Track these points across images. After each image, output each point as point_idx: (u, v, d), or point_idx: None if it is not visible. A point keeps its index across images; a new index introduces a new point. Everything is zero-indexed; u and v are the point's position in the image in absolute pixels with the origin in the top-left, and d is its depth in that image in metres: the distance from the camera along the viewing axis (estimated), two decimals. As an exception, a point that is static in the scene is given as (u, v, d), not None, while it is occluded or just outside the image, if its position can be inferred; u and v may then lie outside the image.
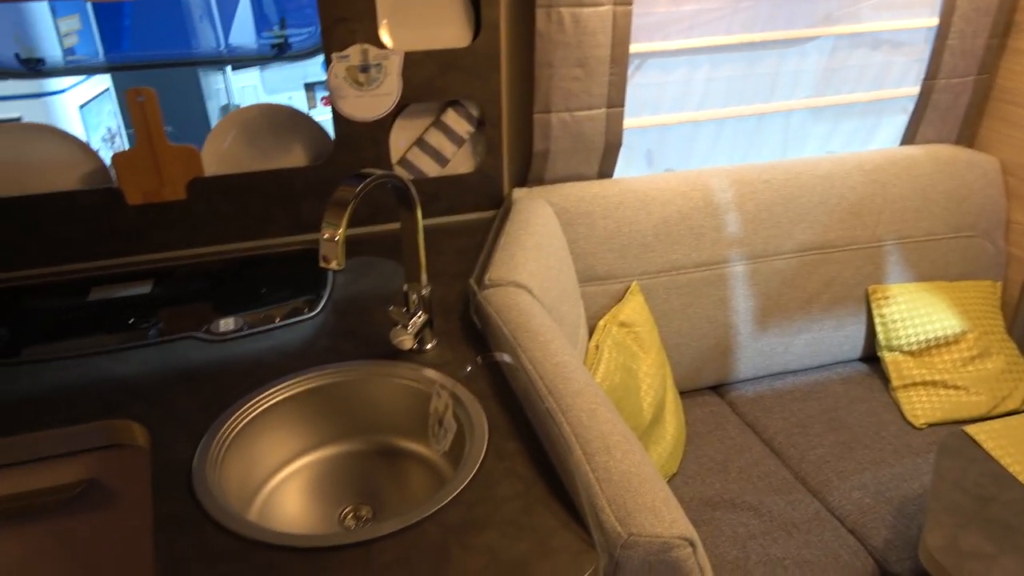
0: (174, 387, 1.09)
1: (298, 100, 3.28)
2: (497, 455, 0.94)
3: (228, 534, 0.84)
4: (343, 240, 0.92)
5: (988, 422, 1.26)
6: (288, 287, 1.35)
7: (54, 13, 2.00)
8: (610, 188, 1.56)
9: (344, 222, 0.92)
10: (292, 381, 1.08)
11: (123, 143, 2.66)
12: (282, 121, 1.46)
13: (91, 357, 1.17)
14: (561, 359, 1.03)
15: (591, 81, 1.48)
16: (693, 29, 1.62)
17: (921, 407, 1.59)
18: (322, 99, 3.29)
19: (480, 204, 1.59)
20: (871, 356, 1.79)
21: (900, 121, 1.87)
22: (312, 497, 1.06)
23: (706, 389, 1.73)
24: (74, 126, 2.35)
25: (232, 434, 1.00)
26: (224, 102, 3.12)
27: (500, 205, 1.61)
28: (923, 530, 1.05)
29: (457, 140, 1.52)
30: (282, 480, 1.07)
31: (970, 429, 1.24)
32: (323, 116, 1.48)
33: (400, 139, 1.50)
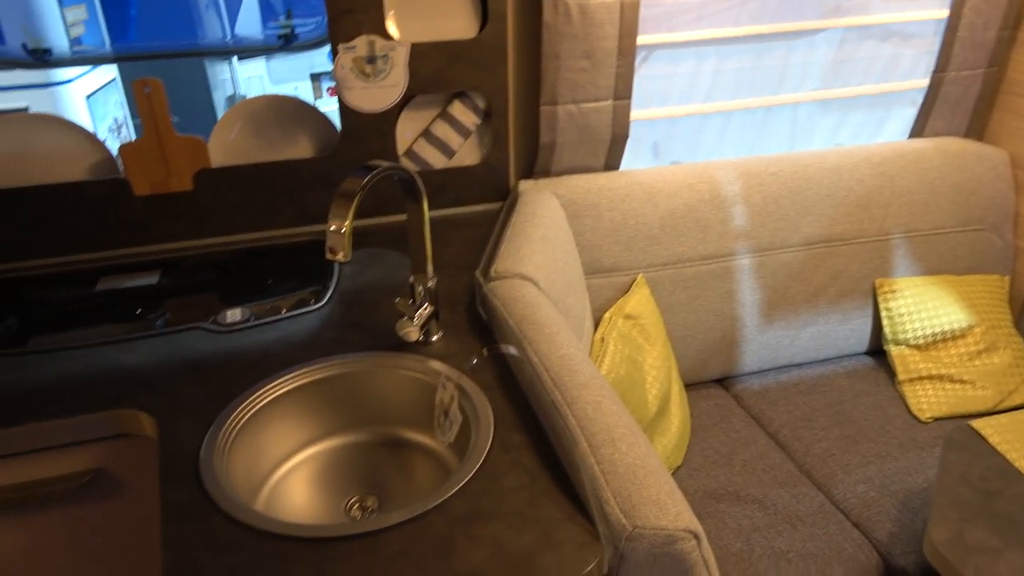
0: (181, 377, 1.10)
1: (304, 90, 3.27)
2: (503, 447, 0.94)
3: (235, 524, 0.84)
4: (349, 232, 0.92)
5: (994, 416, 1.26)
6: (294, 278, 1.35)
7: (61, 3, 2.00)
8: (616, 180, 1.56)
9: (351, 214, 0.92)
10: (299, 372, 1.08)
11: (130, 133, 2.66)
12: (288, 112, 1.46)
13: (99, 347, 1.18)
14: (567, 351, 1.03)
15: (598, 73, 1.48)
16: (701, 20, 1.61)
17: (927, 401, 1.59)
18: (328, 89, 3.28)
19: (486, 196, 1.59)
20: (877, 350, 1.78)
21: (909, 114, 1.86)
22: (318, 487, 1.06)
23: (711, 382, 1.73)
24: (81, 116, 2.35)
25: (239, 424, 1.00)
26: (230, 92, 3.12)
27: (506, 197, 1.61)
28: (928, 524, 1.05)
29: (463, 132, 1.52)
30: (289, 470, 1.07)
31: (976, 423, 1.24)
32: (329, 107, 1.47)
33: (406, 130, 1.50)
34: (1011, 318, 1.72)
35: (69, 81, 2.29)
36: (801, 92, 1.77)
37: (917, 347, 1.67)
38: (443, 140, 1.52)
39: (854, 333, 1.75)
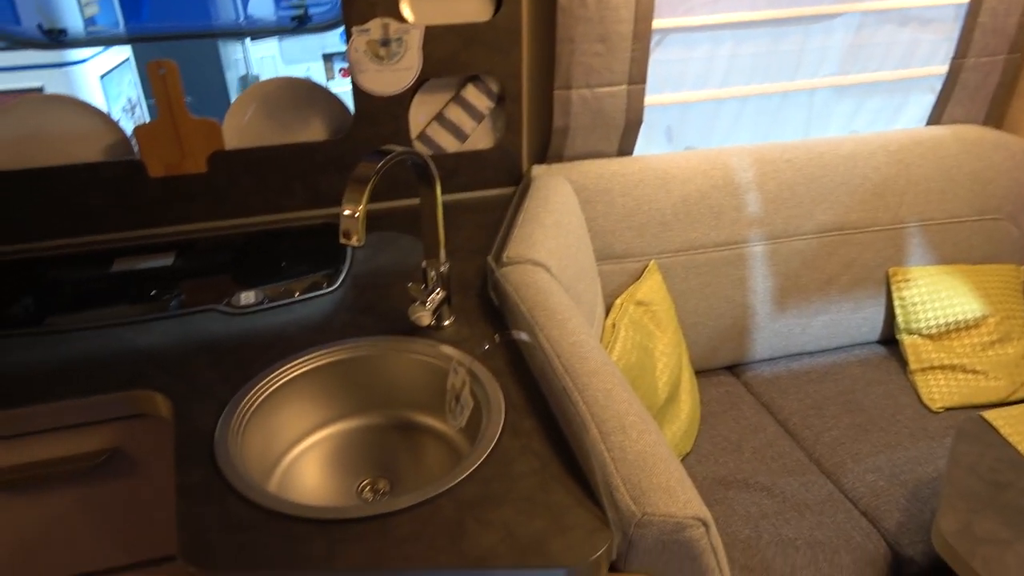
0: (196, 359, 1.11)
1: (316, 71, 3.27)
2: (513, 432, 0.95)
3: (249, 504, 0.85)
4: (363, 216, 0.92)
5: (1006, 408, 1.25)
6: (308, 261, 1.36)
7: (75, -18, 1.99)
8: (629, 166, 1.55)
9: (364, 198, 0.92)
10: (312, 355, 1.09)
11: (143, 113, 2.67)
12: (302, 94, 1.46)
13: (114, 328, 1.19)
14: (578, 338, 1.03)
15: (612, 57, 1.47)
16: (717, 4, 1.60)
17: (939, 391, 1.59)
18: (340, 70, 3.27)
19: (499, 180, 1.59)
20: (889, 339, 1.78)
21: (927, 100, 1.84)
22: (331, 469, 1.08)
23: (722, 369, 1.73)
24: (95, 96, 2.36)
25: (253, 406, 1.01)
26: (243, 72, 3.12)
27: (519, 181, 1.60)
28: (937, 514, 1.06)
29: (477, 116, 1.51)
30: (301, 452, 1.09)
31: (988, 414, 1.24)
32: (341, 88, 1.47)
33: (419, 114, 1.50)
34: (1026, 308, 1.71)
35: (83, 61, 2.29)
36: (818, 78, 1.76)
37: (930, 336, 1.67)
38: (456, 124, 1.51)
39: (866, 322, 1.74)
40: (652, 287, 1.53)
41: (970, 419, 1.24)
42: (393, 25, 1.36)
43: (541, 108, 1.55)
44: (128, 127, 1.39)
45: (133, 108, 2.60)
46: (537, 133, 1.58)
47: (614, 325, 1.43)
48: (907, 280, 1.69)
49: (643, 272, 1.56)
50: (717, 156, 1.60)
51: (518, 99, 1.50)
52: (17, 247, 1.39)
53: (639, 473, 0.82)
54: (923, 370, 1.63)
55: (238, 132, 1.44)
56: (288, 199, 1.48)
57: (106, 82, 2.42)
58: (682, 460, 1.45)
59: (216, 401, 1.01)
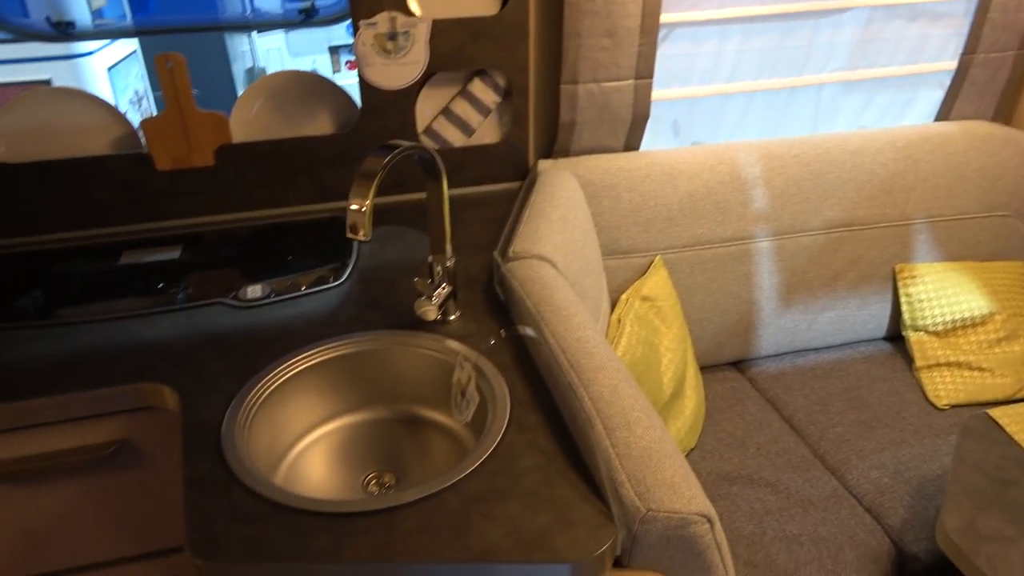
0: (203, 352, 1.11)
1: (323, 63, 3.27)
2: (519, 427, 0.95)
3: (256, 497, 0.86)
4: (370, 211, 0.92)
5: (1012, 405, 1.25)
6: (314, 255, 1.36)
7: (82, -26, 2.00)
8: (636, 161, 1.55)
9: (371, 193, 0.92)
10: (318, 349, 1.10)
11: (150, 106, 2.67)
12: (309, 88, 1.46)
13: (122, 321, 1.20)
14: (584, 334, 1.03)
15: (619, 52, 1.46)
16: (725, -1, 1.59)
17: (944, 388, 1.58)
18: (347, 63, 3.27)
19: (505, 175, 1.59)
20: (895, 335, 1.78)
21: (935, 96, 1.83)
22: (337, 463, 1.08)
23: (727, 365, 1.73)
24: (103, 88, 2.36)
25: (260, 399, 1.02)
26: (249, 64, 3.12)
27: (525, 176, 1.60)
28: (941, 511, 1.06)
29: (483, 110, 1.51)
30: (308, 445, 1.09)
31: (994, 412, 1.24)
32: (347, 80, 1.47)
33: (426, 108, 1.50)
34: (1033, 306, 1.70)
35: (91, 53, 2.30)
36: (826, 73, 1.75)
37: (936, 333, 1.66)
38: (463, 118, 1.51)
39: (872, 318, 1.74)
40: (658, 283, 1.53)
41: (976, 417, 1.23)
42: (400, 19, 1.36)
43: (548, 103, 1.55)
44: (135, 119, 1.40)
45: (140, 100, 2.61)
46: (544, 128, 1.57)
47: (619, 320, 1.43)
48: (914, 277, 1.69)
49: (649, 267, 1.56)
50: (724, 151, 1.59)
51: (525, 93, 1.50)
52: (25, 239, 1.40)
53: (644, 469, 0.83)
54: (929, 367, 1.63)
55: (245, 125, 1.44)
56: (295, 193, 1.48)
57: (113, 74, 2.43)
58: (687, 456, 1.45)
59: (223, 394, 1.02)
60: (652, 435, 0.87)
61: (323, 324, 1.17)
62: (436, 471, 1.06)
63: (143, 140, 1.38)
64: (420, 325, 1.16)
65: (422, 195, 1.56)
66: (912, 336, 1.68)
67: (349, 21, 1.36)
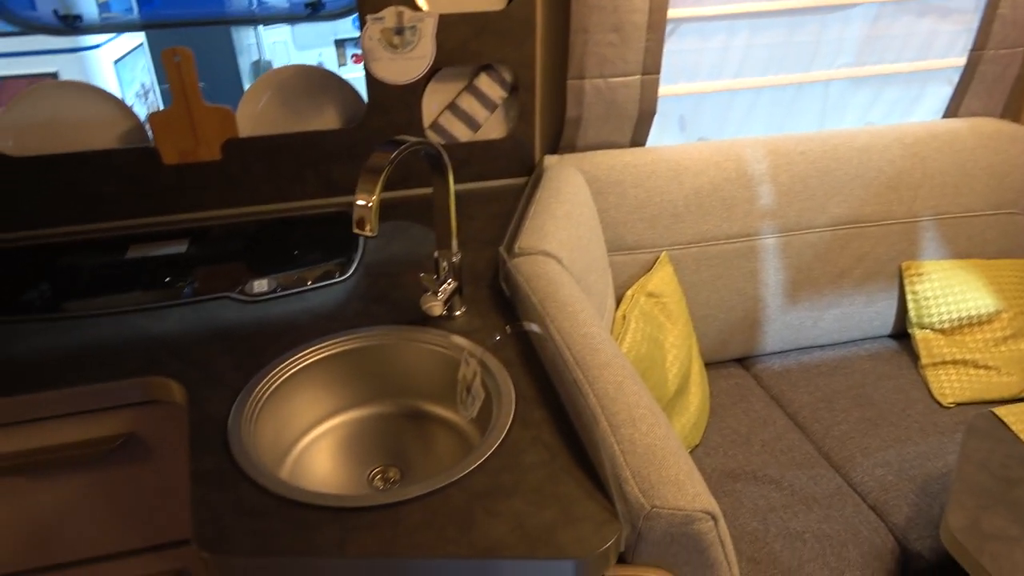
0: (209, 346, 1.12)
1: (328, 56, 3.27)
2: (523, 423, 0.96)
3: (262, 491, 0.86)
4: (377, 207, 0.93)
5: (1018, 404, 1.25)
6: (320, 249, 1.37)
7: (89, -32, 2.00)
8: (642, 157, 1.55)
9: (378, 188, 0.92)
10: (324, 344, 1.10)
11: (157, 99, 2.68)
12: (316, 82, 1.46)
13: (129, 314, 1.20)
14: (589, 330, 1.03)
15: (626, 47, 1.46)
16: (733, -7, 1.58)
17: (950, 386, 1.58)
18: (353, 56, 3.27)
19: (511, 170, 1.58)
20: (901, 333, 1.77)
21: (944, 92, 1.82)
22: (342, 457, 1.09)
23: (732, 361, 1.73)
24: (109, 81, 2.37)
25: (266, 394, 1.02)
26: (255, 57, 3.12)
27: (531, 172, 1.60)
28: (945, 510, 1.06)
29: (490, 105, 1.51)
30: (313, 439, 1.10)
31: (999, 410, 1.23)
32: (353, 73, 1.47)
33: (432, 103, 1.49)
34: (1040, 304, 1.70)
35: (98, 46, 2.30)
36: (834, 69, 1.74)
37: (942, 331, 1.66)
38: (469, 113, 1.51)
39: (878, 316, 1.73)
40: (663, 279, 1.52)
41: (981, 415, 1.23)
42: (407, 13, 1.36)
43: (554, 98, 1.54)
44: (141, 112, 1.40)
45: (147, 93, 2.61)
46: (550, 123, 1.57)
47: (624, 317, 1.43)
48: (920, 274, 1.68)
49: (654, 264, 1.56)
50: (730, 148, 1.59)
51: (531, 89, 1.50)
52: (32, 233, 1.41)
53: (648, 466, 0.83)
54: (934, 365, 1.63)
55: (252, 120, 1.45)
56: (301, 187, 1.49)
57: (120, 67, 2.43)
58: (691, 452, 1.45)
59: (229, 388, 1.02)
60: (657, 432, 0.87)
61: (329, 319, 1.17)
62: (441, 466, 1.06)
63: (150, 134, 1.39)
64: (426, 320, 1.16)
65: (428, 190, 1.56)
66: (918, 334, 1.68)
67: (356, 14, 1.35)
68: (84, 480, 1.14)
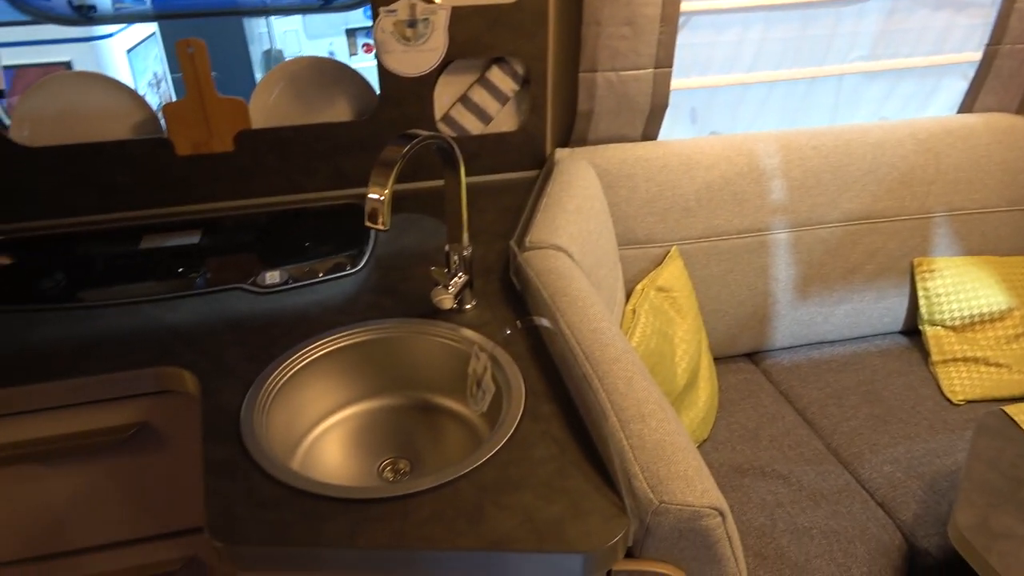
0: (222, 337, 1.13)
1: (339, 46, 3.26)
2: (533, 417, 0.96)
3: (274, 482, 0.87)
4: (389, 200, 0.93)
5: (1029, 403, 1.25)
6: (331, 241, 1.37)
7: (103, -43, 2.00)
8: (654, 151, 1.54)
9: (390, 182, 0.93)
10: (336, 336, 1.11)
11: (169, 88, 2.69)
12: (328, 74, 1.47)
13: (142, 304, 1.21)
14: (599, 325, 1.03)
15: (639, 40, 1.45)
16: (748, -13, 1.57)
17: (960, 383, 1.58)
18: (363, 45, 3.27)
19: (522, 163, 1.58)
20: (912, 329, 1.77)
21: (959, 87, 1.80)
22: (352, 448, 1.09)
23: (741, 356, 1.73)
24: (122, 71, 2.37)
25: (278, 385, 1.03)
26: (266, 46, 3.12)
27: (542, 165, 1.60)
28: (954, 507, 1.06)
29: (501, 98, 1.51)
30: (324, 431, 1.11)
31: (1010, 409, 1.23)
32: (364, 63, 1.47)
33: (444, 95, 1.49)
34: (1053, 302, 1.69)
35: (110, 35, 2.31)
36: (847, 64, 1.73)
37: (953, 328, 1.65)
38: (481, 106, 1.51)
39: (889, 312, 1.73)
40: (673, 273, 1.52)
41: (992, 413, 1.23)
42: (420, 6, 1.36)
43: (566, 91, 1.54)
44: (154, 102, 1.41)
45: (159, 83, 2.62)
46: (561, 116, 1.57)
47: (634, 311, 1.43)
48: (932, 271, 1.68)
49: (665, 258, 1.56)
50: (742, 142, 1.58)
51: (543, 82, 1.49)
52: (48, 222, 1.42)
53: (657, 461, 0.83)
54: (945, 362, 1.62)
55: (264, 111, 1.45)
56: (313, 179, 1.49)
57: (132, 56, 2.44)
58: (699, 447, 1.45)
59: (241, 379, 1.03)
60: (666, 428, 0.87)
61: (340, 311, 1.18)
62: (450, 459, 1.07)
63: (163, 125, 1.40)
64: (436, 314, 1.17)
65: (439, 182, 1.56)
66: (929, 330, 1.67)
67: (368, 4, 1.35)
68: (98, 468, 1.15)
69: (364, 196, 1.23)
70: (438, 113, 1.50)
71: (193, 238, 1.38)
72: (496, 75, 1.49)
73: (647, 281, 1.51)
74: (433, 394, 1.15)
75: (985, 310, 1.63)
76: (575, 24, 1.47)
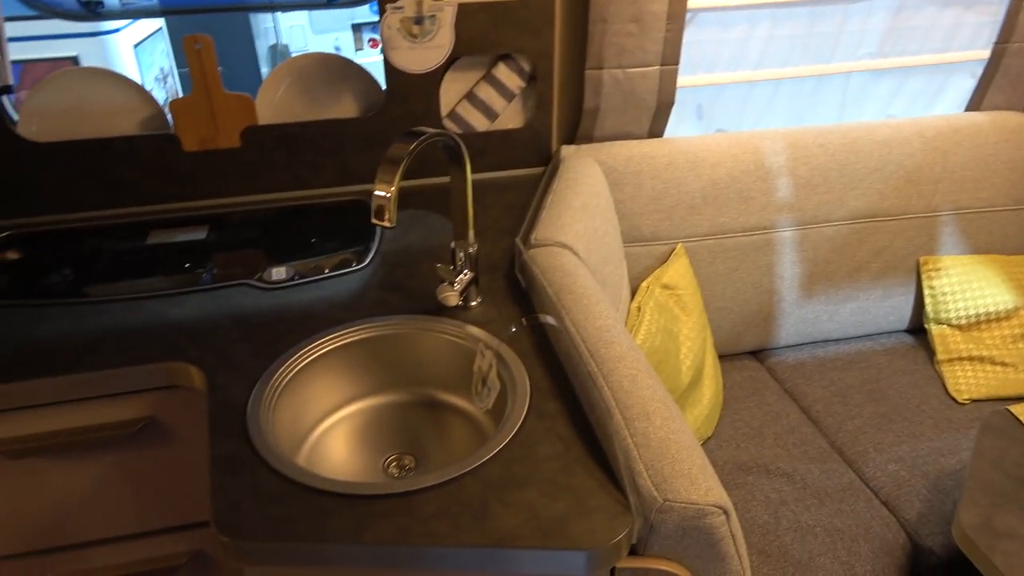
0: (228, 332, 1.13)
1: (345, 40, 3.27)
2: (538, 415, 0.96)
3: (280, 477, 0.88)
4: (395, 197, 0.93)
5: (1034, 402, 1.25)
6: (337, 238, 1.38)
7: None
8: (659, 148, 1.54)
9: (397, 179, 0.93)
10: (341, 332, 1.11)
11: (175, 83, 2.69)
12: (335, 71, 1.47)
13: (149, 300, 1.22)
14: (604, 323, 1.04)
15: (646, 37, 1.45)
16: (755, -16, 1.57)
17: (965, 382, 1.57)
18: (369, 40, 3.27)
19: (528, 160, 1.59)
20: (918, 328, 1.76)
21: (967, 85, 1.79)
22: (358, 444, 1.10)
23: (746, 354, 1.73)
24: (129, 65, 2.38)
25: (284, 381, 1.03)
26: (273, 41, 3.13)
27: (548, 162, 1.60)
28: (957, 507, 1.06)
29: (507, 95, 1.51)
30: (330, 426, 1.11)
31: (1015, 408, 1.23)
32: (370, 58, 1.48)
33: (450, 92, 1.50)
34: (1059, 301, 1.68)
35: (117, 30, 2.32)
36: (855, 60, 1.72)
37: (959, 327, 1.65)
38: (486, 103, 1.51)
39: (895, 310, 1.72)
40: (678, 271, 1.52)
41: (996, 412, 1.23)
42: (427, 3, 1.36)
43: (572, 88, 1.54)
44: (161, 97, 1.41)
45: (165, 77, 2.62)
46: (567, 113, 1.57)
47: (639, 308, 1.43)
48: (938, 269, 1.67)
49: (670, 255, 1.56)
50: (748, 140, 1.58)
51: (549, 79, 1.49)
52: (55, 217, 1.43)
53: (662, 460, 0.83)
54: (950, 361, 1.62)
55: (271, 107, 1.45)
56: (319, 175, 1.50)
57: (139, 51, 2.45)
58: (703, 444, 1.46)
59: (248, 375, 1.04)
60: (670, 426, 0.88)
61: (346, 307, 1.18)
62: (455, 455, 1.08)
63: (170, 120, 1.40)
64: (442, 310, 1.17)
65: (445, 179, 1.57)
66: (934, 329, 1.67)
67: (374, 1, 1.36)
68: (105, 462, 1.16)
69: (370, 192, 1.24)
70: (444, 110, 1.50)
71: (200, 234, 1.39)
72: (502, 72, 1.49)
73: (652, 279, 1.51)
74: (438, 391, 1.16)
75: (991, 309, 1.63)
76: (582, 21, 1.46)
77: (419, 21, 1.37)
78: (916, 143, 1.63)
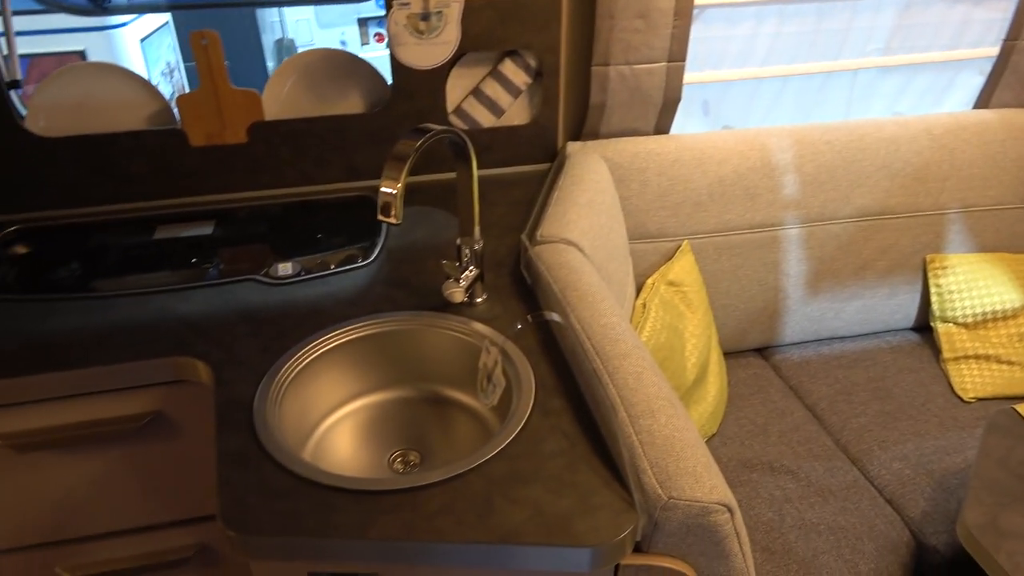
0: (235, 328, 1.14)
1: (351, 35, 3.27)
2: (543, 411, 0.97)
3: (286, 472, 0.88)
4: (402, 194, 0.93)
5: (1040, 402, 1.24)
6: (343, 233, 1.38)
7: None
8: (666, 145, 1.54)
9: (403, 176, 0.93)
10: (347, 327, 1.12)
11: (182, 77, 2.70)
12: (341, 66, 1.47)
13: (156, 294, 1.22)
14: (609, 320, 1.04)
15: (652, 33, 1.45)
16: (763, -20, 1.56)
17: (971, 381, 1.57)
18: (375, 35, 3.27)
19: (534, 156, 1.58)
20: (923, 326, 1.76)
21: (975, 82, 1.79)
22: (363, 440, 1.10)
23: (751, 351, 1.73)
24: (135, 60, 2.39)
25: (290, 376, 1.04)
26: (279, 35, 3.13)
27: (554, 158, 1.60)
28: (962, 506, 1.06)
29: (514, 91, 1.51)
30: (335, 422, 1.12)
31: (1021, 407, 1.23)
32: (375, 52, 1.48)
33: (456, 88, 1.50)
34: (1066, 300, 1.68)
35: (124, 25, 2.32)
36: (863, 57, 1.72)
37: (965, 325, 1.65)
38: (493, 99, 1.51)
39: (901, 308, 1.72)
40: (684, 268, 1.52)
41: (1002, 411, 1.23)
42: (433, -2, 1.36)
43: (578, 84, 1.54)
44: (167, 90, 1.42)
45: (172, 72, 2.63)
46: (574, 109, 1.57)
47: (645, 305, 1.43)
48: (944, 267, 1.67)
49: (675, 252, 1.56)
50: (755, 136, 1.58)
51: (555, 75, 1.49)
52: (63, 212, 1.43)
53: (666, 457, 0.83)
54: (956, 359, 1.62)
55: (277, 103, 1.46)
56: (325, 171, 1.50)
57: (146, 46, 2.45)
58: (708, 441, 1.46)
59: (254, 370, 1.04)
60: (675, 424, 0.88)
61: (352, 303, 1.19)
62: (460, 451, 1.08)
63: (177, 115, 1.40)
64: (447, 307, 1.17)
65: (451, 175, 1.57)
66: (940, 327, 1.66)
67: (380, -1, 1.36)
68: (112, 456, 1.17)
69: (376, 188, 1.24)
70: (450, 106, 1.50)
71: (206, 229, 1.39)
72: (509, 68, 1.49)
73: (658, 275, 1.51)
74: (443, 387, 1.16)
75: (998, 307, 1.62)
76: (588, 17, 1.46)
77: (426, 17, 1.37)
78: (924, 140, 1.62)
